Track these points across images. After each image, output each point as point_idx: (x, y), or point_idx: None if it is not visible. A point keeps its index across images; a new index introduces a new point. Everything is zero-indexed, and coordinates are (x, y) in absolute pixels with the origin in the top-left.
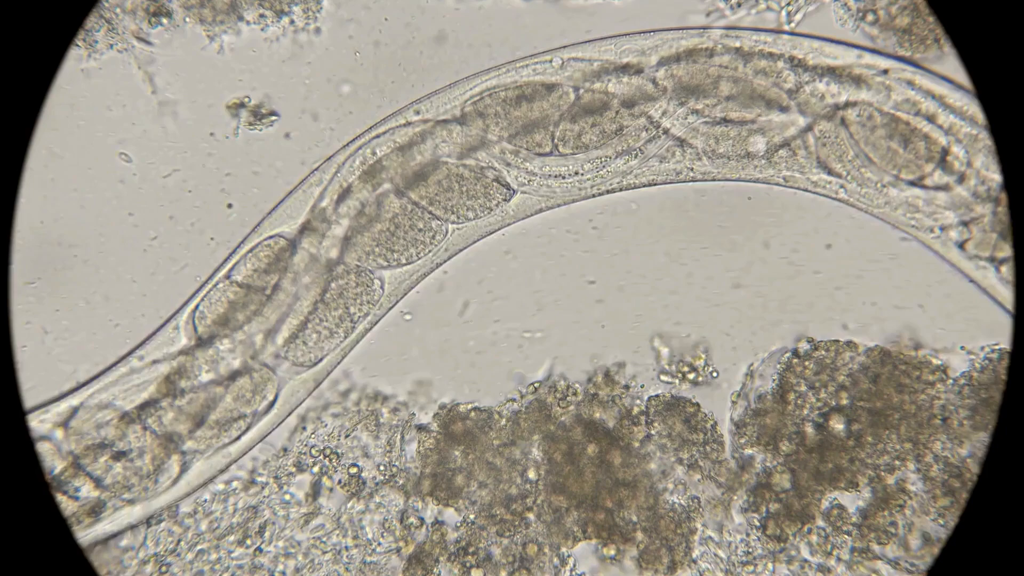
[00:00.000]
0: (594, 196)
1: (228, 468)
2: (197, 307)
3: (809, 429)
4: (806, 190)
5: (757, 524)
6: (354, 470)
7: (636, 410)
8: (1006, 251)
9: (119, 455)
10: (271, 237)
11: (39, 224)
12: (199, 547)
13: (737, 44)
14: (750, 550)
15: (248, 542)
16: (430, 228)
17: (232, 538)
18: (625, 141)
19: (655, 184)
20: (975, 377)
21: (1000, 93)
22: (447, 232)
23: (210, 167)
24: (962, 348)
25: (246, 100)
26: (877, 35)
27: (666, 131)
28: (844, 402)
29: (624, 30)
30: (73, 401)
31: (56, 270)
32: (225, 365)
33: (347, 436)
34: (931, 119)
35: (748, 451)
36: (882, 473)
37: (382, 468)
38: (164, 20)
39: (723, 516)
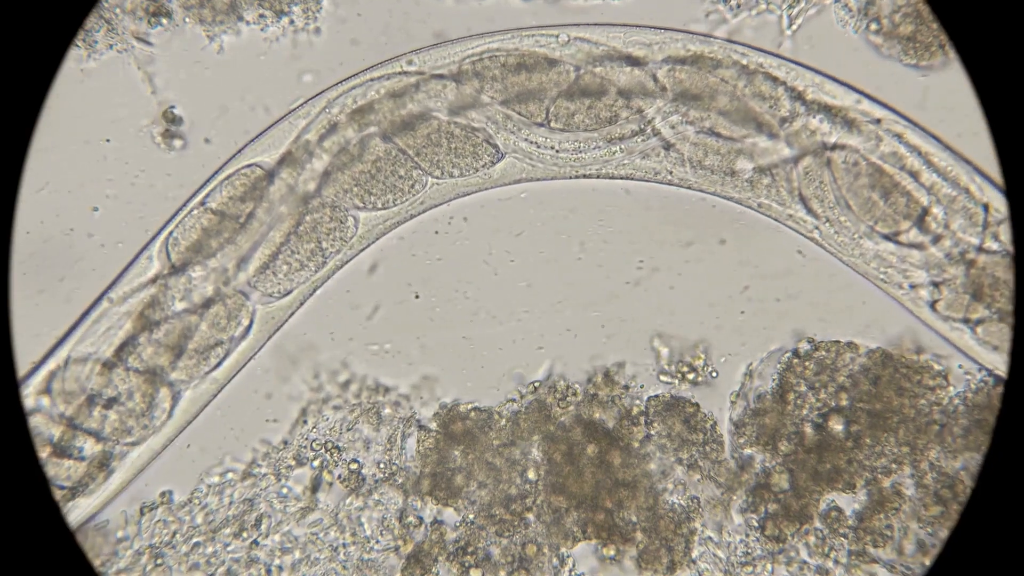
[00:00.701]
0: (571, 177)
1: (219, 393)
2: (171, 234)
3: (808, 429)
4: (779, 220)
5: (756, 524)
6: (355, 466)
7: (636, 410)
8: (980, 312)
9: (110, 402)
10: (248, 166)
11: (39, 224)
12: (194, 539)
13: (744, 61)
14: (749, 551)
15: (244, 535)
16: (411, 177)
17: (228, 531)
18: (617, 131)
19: (631, 179)
20: (970, 398)
21: (1003, 99)
22: (426, 184)
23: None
24: (960, 367)
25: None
26: (882, 43)
27: (656, 131)
28: (844, 403)
29: (636, 23)
30: (51, 365)
31: (56, 271)
32: (199, 293)
33: (349, 429)
34: (915, 176)
35: (747, 451)
36: (879, 476)
37: (382, 466)
38: (164, 20)
39: (723, 516)
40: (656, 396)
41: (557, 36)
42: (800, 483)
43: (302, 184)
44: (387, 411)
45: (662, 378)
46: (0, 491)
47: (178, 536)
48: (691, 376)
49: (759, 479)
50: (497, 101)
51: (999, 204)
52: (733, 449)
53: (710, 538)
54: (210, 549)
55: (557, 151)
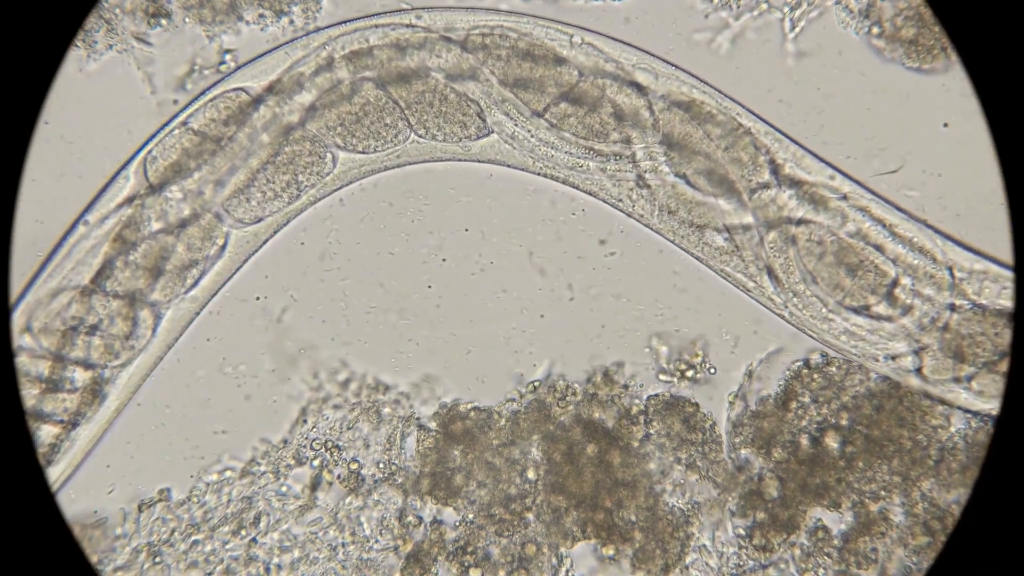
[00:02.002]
0: (538, 174)
1: (201, 311)
2: (149, 152)
3: (804, 441)
4: (744, 289)
5: (743, 533)
6: (355, 465)
7: (635, 410)
8: (967, 369)
9: (93, 329)
10: (235, 90)
11: (39, 223)
12: (193, 537)
13: (738, 119)
14: (741, 563)
15: (243, 533)
16: (396, 127)
17: (226, 529)
18: (600, 146)
19: (593, 195)
20: (970, 436)
21: (1005, 101)
22: (408, 139)
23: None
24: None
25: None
26: (884, 47)
27: (635, 162)
28: (844, 422)
29: (652, 49)
30: (28, 298)
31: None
32: (175, 213)
33: (349, 428)
34: (880, 248)
35: (742, 452)
36: (866, 500)
37: (381, 465)
38: (163, 21)
39: (719, 516)
40: (656, 395)
41: (571, 36)
42: (788, 492)
43: (287, 114)
44: (387, 410)
45: (661, 377)
46: None
47: (176, 534)
48: (690, 373)
49: (752, 485)
50: (496, 79)
51: (963, 263)
52: (730, 449)
53: (704, 546)
54: (208, 547)
55: (536, 140)
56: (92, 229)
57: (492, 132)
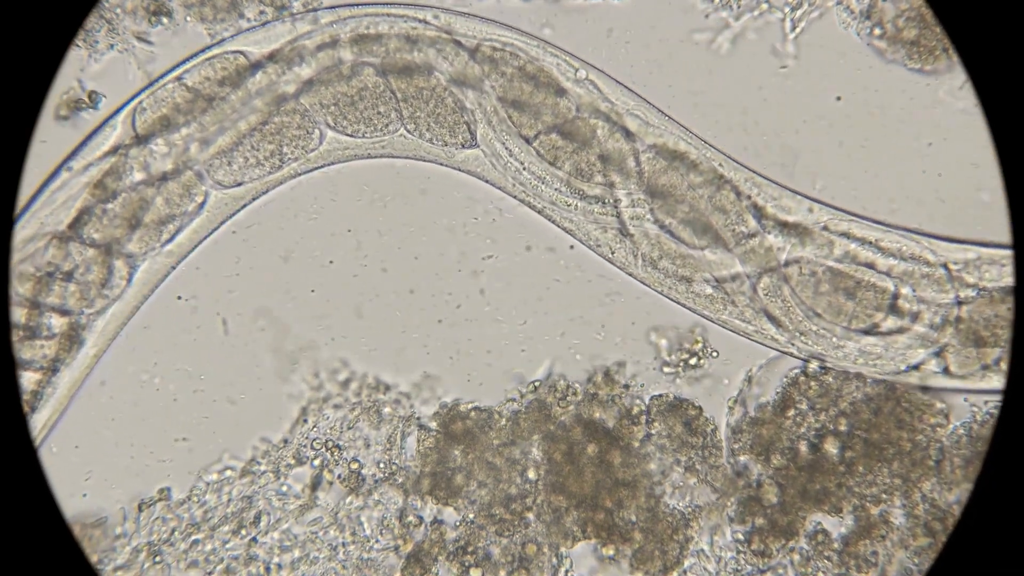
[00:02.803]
0: (517, 198)
1: (176, 267)
2: (140, 103)
3: (803, 447)
4: (745, 336)
5: (741, 538)
6: (355, 465)
7: (636, 410)
8: (992, 353)
9: (68, 275)
10: (235, 52)
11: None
12: (193, 537)
13: (721, 169)
14: (739, 568)
15: (243, 532)
16: (388, 117)
17: (227, 528)
18: (584, 187)
19: (570, 232)
20: (974, 429)
21: (1006, 102)
22: (397, 131)
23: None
24: (965, 399)
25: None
26: (886, 48)
27: (618, 211)
28: (842, 428)
29: (647, 97)
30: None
31: None
32: (157, 166)
33: (349, 428)
34: (871, 266)
35: (741, 458)
36: (867, 504)
37: (382, 465)
38: (164, 19)
39: (717, 520)
40: (660, 396)
41: (576, 70)
42: (787, 499)
43: (283, 84)
44: (387, 410)
45: (665, 370)
46: None
47: (176, 533)
48: (693, 361)
49: (751, 491)
50: (495, 95)
51: (956, 256)
52: (729, 455)
53: (703, 551)
54: (209, 546)
55: (524, 167)
56: (75, 176)
57: (478, 146)
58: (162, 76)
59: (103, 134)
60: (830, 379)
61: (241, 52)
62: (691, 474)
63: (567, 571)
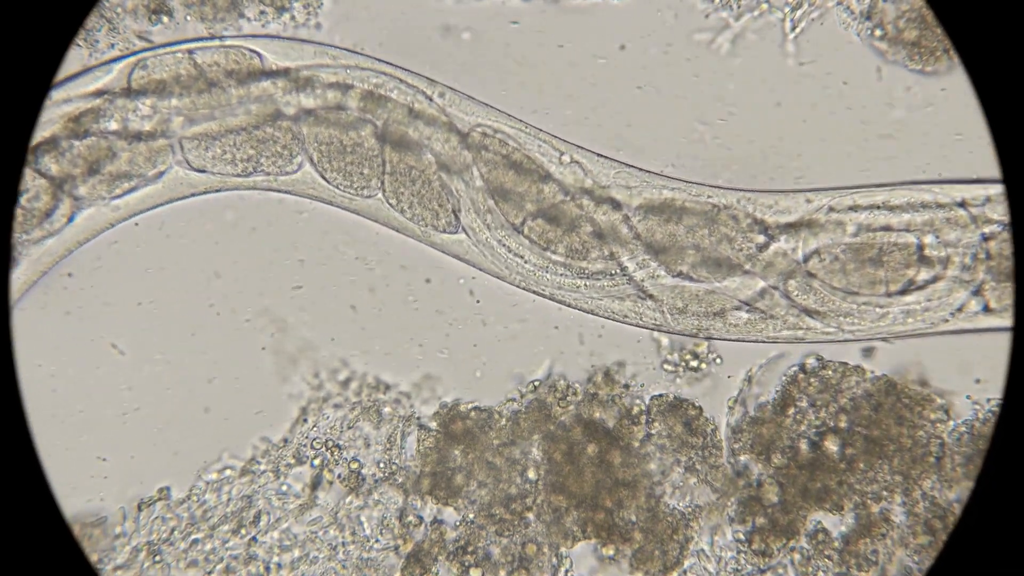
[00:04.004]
0: (519, 286)
1: (117, 224)
2: (144, 60)
3: (803, 446)
4: (798, 340)
5: (742, 538)
6: (355, 465)
7: (636, 409)
8: None
9: (14, 197)
10: (253, 51)
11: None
12: (193, 536)
13: (711, 203)
14: (739, 568)
15: (243, 531)
16: (368, 181)
17: (226, 528)
18: (587, 266)
19: (592, 313)
20: (976, 427)
21: (1007, 104)
22: (373, 195)
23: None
24: (968, 397)
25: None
26: (887, 50)
27: (630, 278)
28: (842, 425)
29: (626, 160)
30: None
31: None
32: (135, 124)
33: (349, 427)
34: (888, 228)
35: (741, 458)
36: (868, 501)
37: (382, 465)
38: (165, 18)
39: (718, 520)
40: (660, 396)
41: (561, 154)
42: (788, 498)
43: (284, 102)
44: (387, 410)
45: (666, 368)
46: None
47: (176, 532)
48: (695, 363)
49: (751, 491)
50: (482, 182)
51: (969, 193)
52: (730, 455)
53: (703, 551)
54: (208, 546)
55: (524, 260)
56: (54, 105)
57: (461, 231)
58: (178, 43)
59: (94, 74)
60: (829, 373)
61: (258, 54)
62: (691, 474)
63: (567, 571)
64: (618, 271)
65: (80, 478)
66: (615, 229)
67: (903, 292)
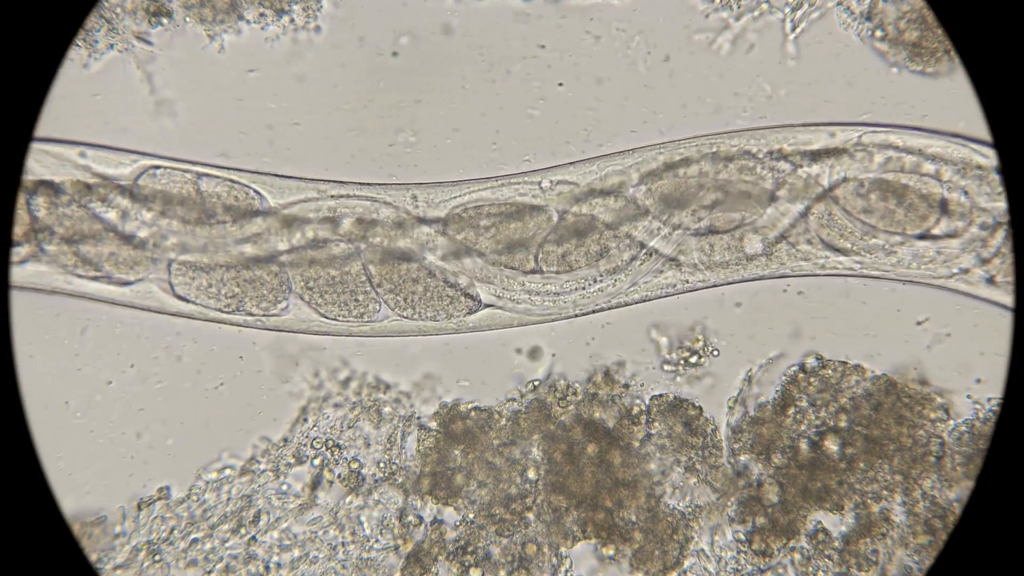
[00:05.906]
0: (577, 316)
1: (57, 292)
2: (159, 167)
3: (803, 445)
4: (815, 275)
5: (743, 538)
6: (355, 464)
7: (636, 409)
8: None
9: None
10: (256, 191)
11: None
12: (192, 536)
13: (713, 149)
14: (739, 568)
15: (242, 531)
16: (365, 305)
17: (226, 527)
18: (611, 262)
19: (647, 300)
20: (977, 426)
21: (1007, 104)
22: (385, 317)
23: None
24: (968, 396)
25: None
26: (888, 51)
27: (654, 250)
28: (842, 424)
29: (605, 151)
30: None
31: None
32: (132, 226)
33: (349, 427)
34: (916, 170)
35: (742, 457)
36: (868, 500)
37: (382, 465)
38: (164, 20)
39: (718, 520)
40: (660, 396)
41: (540, 183)
42: (789, 498)
43: (275, 240)
44: (387, 409)
45: (666, 368)
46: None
47: (176, 532)
48: (694, 360)
49: (751, 491)
50: (489, 251)
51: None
52: (730, 455)
53: (703, 551)
54: (208, 545)
55: (558, 295)
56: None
57: (485, 306)
58: (191, 162)
59: (112, 158)
60: (829, 372)
61: (259, 193)
62: (691, 474)
63: (567, 571)
64: (641, 248)
65: (80, 477)
66: (624, 212)
67: (922, 237)
